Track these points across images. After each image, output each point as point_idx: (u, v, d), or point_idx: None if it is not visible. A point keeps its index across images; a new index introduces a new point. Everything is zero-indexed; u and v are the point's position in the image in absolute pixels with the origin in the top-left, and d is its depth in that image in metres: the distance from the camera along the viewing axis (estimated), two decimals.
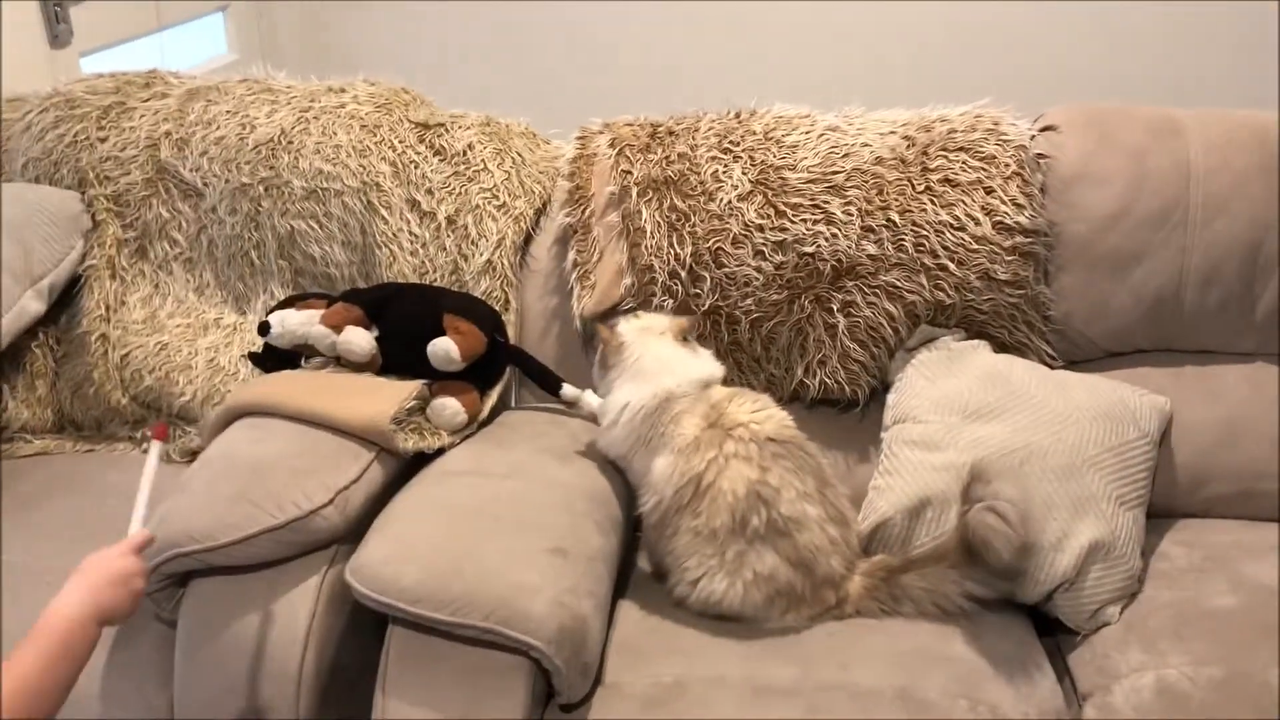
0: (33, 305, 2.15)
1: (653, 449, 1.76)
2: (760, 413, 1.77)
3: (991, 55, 3.15)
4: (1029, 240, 1.97)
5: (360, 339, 1.95)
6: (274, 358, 2.06)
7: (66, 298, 2.26)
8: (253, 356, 2.10)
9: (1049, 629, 1.78)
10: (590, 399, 1.96)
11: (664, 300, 2.02)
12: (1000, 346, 2.00)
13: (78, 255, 2.24)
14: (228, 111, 2.27)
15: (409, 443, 1.83)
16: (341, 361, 1.99)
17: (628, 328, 1.85)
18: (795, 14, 3.25)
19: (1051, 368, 1.99)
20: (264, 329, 2.02)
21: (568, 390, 2.00)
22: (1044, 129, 2.07)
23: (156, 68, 2.46)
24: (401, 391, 1.87)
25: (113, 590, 1.27)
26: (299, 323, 2.00)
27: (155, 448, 1.48)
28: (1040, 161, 2.02)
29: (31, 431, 2.25)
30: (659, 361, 1.80)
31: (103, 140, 2.30)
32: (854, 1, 3.20)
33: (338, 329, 1.96)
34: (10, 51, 2.53)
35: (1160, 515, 1.91)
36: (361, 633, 1.67)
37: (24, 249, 2.13)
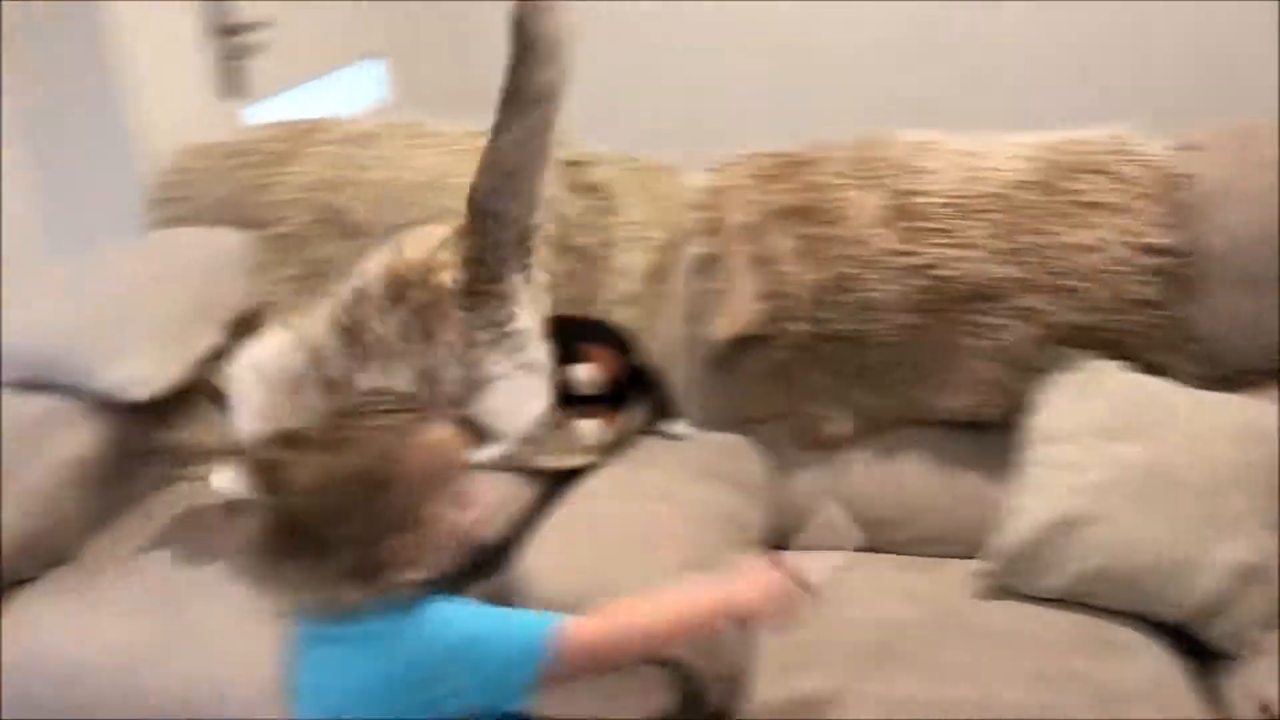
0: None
1: None
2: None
3: (1129, 74, 3.12)
4: (1169, 260, 1.95)
5: None
6: None
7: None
8: None
9: (1198, 652, 1.75)
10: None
11: (799, 326, 2.07)
12: (1140, 366, 1.98)
13: (253, 293, 2.41)
14: (383, 156, 2.41)
15: (549, 462, 1.93)
16: None
17: None
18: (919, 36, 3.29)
19: (1193, 387, 1.96)
20: None
21: (678, 427, 2.09)
22: (1185, 147, 2.04)
23: (322, 115, 2.64)
24: None
25: (750, 593, 1.40)
26: None
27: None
28: (1181, 181, 1.99)
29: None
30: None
31: (272, 185, 2.48)
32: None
33: None
34: (181, 102, 2.74)
35: None
36: None
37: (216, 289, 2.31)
